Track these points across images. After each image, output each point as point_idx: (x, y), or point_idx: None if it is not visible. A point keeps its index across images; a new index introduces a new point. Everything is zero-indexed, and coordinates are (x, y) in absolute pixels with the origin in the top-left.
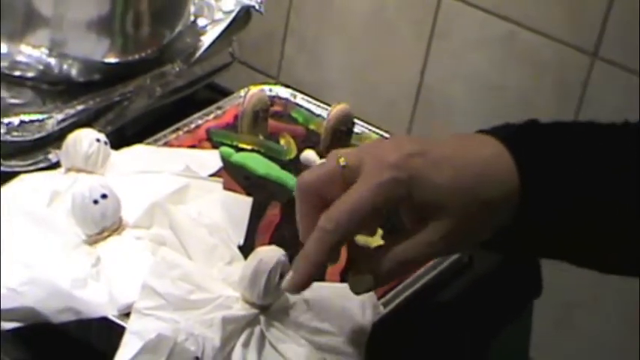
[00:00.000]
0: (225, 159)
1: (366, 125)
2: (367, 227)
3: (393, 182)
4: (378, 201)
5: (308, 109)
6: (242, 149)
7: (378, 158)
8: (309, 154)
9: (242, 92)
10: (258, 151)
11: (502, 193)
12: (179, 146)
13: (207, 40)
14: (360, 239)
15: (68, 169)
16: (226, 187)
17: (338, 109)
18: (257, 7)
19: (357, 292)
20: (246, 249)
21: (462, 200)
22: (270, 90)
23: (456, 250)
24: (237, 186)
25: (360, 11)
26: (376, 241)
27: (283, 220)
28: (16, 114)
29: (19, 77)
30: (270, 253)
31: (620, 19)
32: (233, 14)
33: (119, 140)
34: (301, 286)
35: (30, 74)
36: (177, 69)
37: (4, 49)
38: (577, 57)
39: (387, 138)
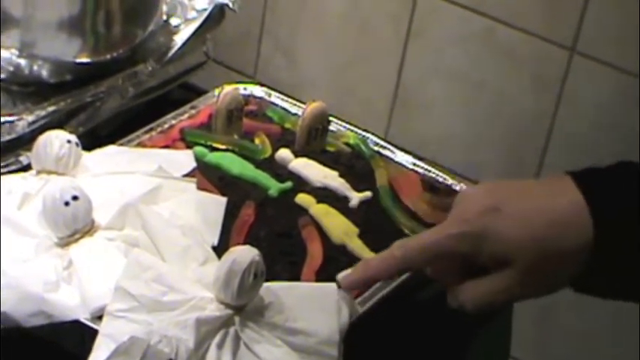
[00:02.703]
0: (199, 159)
1: (342, 123)
2: (435, 265)
3: (461, 236)
4: (445, 249)
5: (283, 108)
6: (216, 149)
7: (461, 209)
8: (285, 153)
9: (216, 92)
10: (232, 151)
11: (575, 244)
12: (152, 147)
13: (180, 39)
14: (337, 239)
15: (39, 171)
16: (200, 187)
17: (313, 107)
18: (231, 5)
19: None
20: (220, 249)
21: (530, 252)
22: (245, 89)
23: (528, 296)
24: (212, 186)
25: (335, 9)
26: (355, 242)
27: (258, 220)
28: None
29: None
30: (244, 253)
31: (598, 14)
32: (206, 13)
33: (92, 141)
34: (352, 285)
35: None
36: (150, 69)
37: None
38: (555, 52)
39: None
